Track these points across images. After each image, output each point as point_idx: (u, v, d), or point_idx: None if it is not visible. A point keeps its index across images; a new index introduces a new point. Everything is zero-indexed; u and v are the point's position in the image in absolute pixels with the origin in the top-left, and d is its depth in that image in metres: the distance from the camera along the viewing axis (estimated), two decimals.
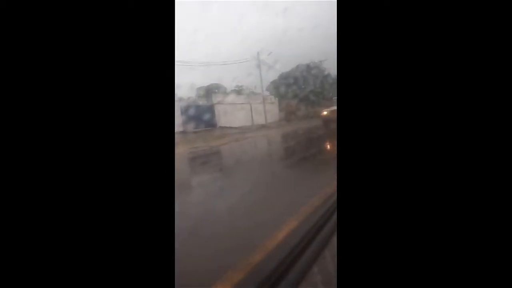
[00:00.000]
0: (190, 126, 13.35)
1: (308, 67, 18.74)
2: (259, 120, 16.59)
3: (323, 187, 2.42)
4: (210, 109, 15.02)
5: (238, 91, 17.68)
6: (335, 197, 1.03)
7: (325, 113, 9.45)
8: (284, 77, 18.80)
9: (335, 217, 1.02)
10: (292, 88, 18.09)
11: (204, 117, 14.34)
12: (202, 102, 15.62)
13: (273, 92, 18.80)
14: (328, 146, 6.06)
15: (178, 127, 12.26)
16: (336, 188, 0.52)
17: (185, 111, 13.69)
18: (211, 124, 14.65)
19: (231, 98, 16.47)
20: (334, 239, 0.92)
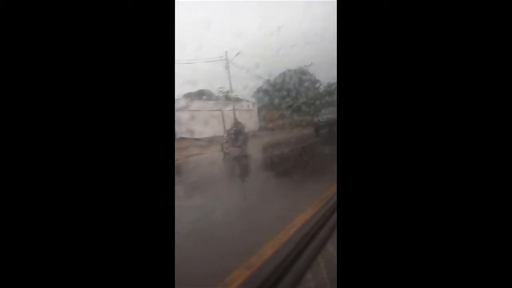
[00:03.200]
0: None
1: (295, 72, 17.97)
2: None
3: None
4: None
5: (226, 96, 16.81)
6: None
7: None
8: (269, 83, 17.91)
9: (330, 223, 1.06)
10: (276, 94, 17.21)
11: None
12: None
13: (261, 99, 17.91)
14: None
15: None
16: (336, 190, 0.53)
17: None
18: None
19: (199, 104, 14.74)
20: (328, 246, 0.96)
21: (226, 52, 14.01)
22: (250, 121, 17.03)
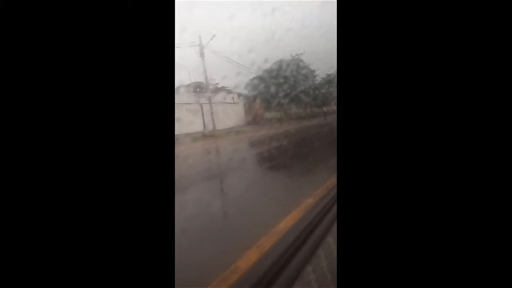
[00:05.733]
0: None
1: (292, 60, 17.44)
2: (221, 124, 14.00)
3: None
4: None
5: (227, 90, 16.11)
6: None
7: None
8: (265, 73, 17.28)
9: (330, 215, 1.08)
10: (268, 85, 16.47)
11: None
12: None
13: (256, 87, 17.21)
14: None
15: None
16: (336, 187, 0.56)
17: None
18: None
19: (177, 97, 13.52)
20: (328, 238, 0.98)
21: (200, 36, 13.18)
22: (237, 116, 16.29)
